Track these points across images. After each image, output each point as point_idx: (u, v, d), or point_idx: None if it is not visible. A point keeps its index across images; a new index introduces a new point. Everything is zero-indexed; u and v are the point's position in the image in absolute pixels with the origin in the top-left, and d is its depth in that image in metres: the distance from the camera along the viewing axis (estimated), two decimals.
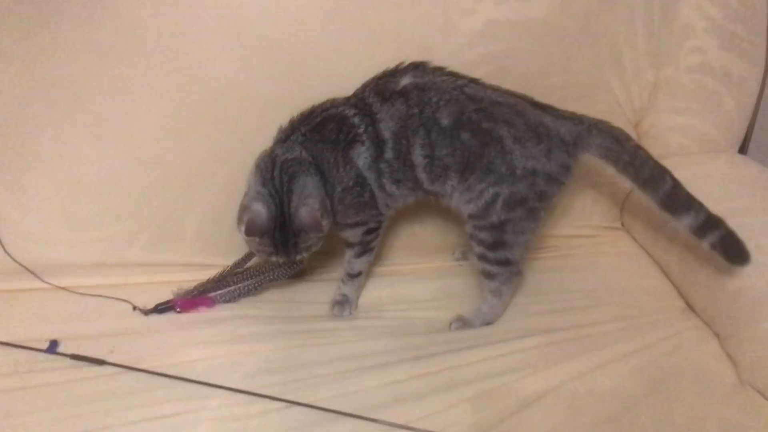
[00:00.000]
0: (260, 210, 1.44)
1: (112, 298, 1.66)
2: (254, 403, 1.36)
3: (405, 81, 1.53)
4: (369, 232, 1.66)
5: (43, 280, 1.68)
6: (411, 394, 1.40)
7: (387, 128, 1.51)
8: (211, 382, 1.39)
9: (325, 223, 1.47)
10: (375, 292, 1.78)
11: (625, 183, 1.67)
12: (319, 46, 1.69)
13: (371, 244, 1.69)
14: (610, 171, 1.60)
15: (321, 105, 1.56)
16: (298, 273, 1.81)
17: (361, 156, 1.53)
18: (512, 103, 1.53)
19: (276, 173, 1.47)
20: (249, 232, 1.44)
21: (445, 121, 1.50)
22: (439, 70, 1.56)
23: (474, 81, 1.57)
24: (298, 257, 1.52)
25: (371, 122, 1.51)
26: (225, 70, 1.64)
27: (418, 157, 1.54)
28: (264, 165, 1.50)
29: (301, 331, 1.60)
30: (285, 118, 1.58)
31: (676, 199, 1.52)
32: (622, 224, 2.10)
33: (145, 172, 1.69)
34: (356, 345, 1.55)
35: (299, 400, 1.36)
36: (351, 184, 1.54)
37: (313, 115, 1.55)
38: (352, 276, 1.71)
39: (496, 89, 1.56)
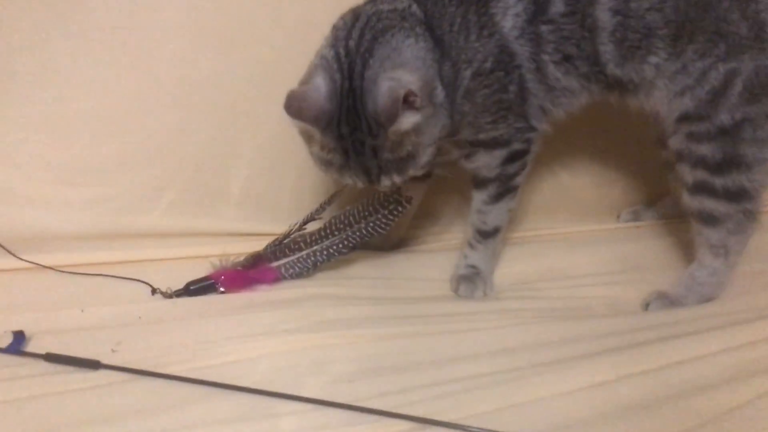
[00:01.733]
0: (318, 83, 1.00)
1: (121, 277, 1.23)
2: (353, 424, 0.88)
3: None
4: (512, 157, 1.17)
5: (18, 257, 1.26)
6: (616, 407, 0.92)
7: None
8: (279, 391, 0.93)
9: (420, 118, 0.99)
10: (516, 265, 1.32)
11: None
12: None
13: (515, 180, 1.20)
14: None
15: None
16: (395, 241, 1.34)
17: (509, 12, 1.07)
18: None
19: (356, 30, 1.02)
20: (292, 112, 0.97)
21: None
22: None
23: None
24: (385, 183, 1.04)
25: None
26: None
27: (603, 12, 1.06)
28: (343, 21, 1.06)
29: (412, 317, 1.13)
30: None
31: None
32: None
33: (172, 101, 1.33)
34: (506, 334, 1.08)
35: (432, 417, 0.88)
36: (489, 64, 1.07)
37: None
38: (486, 234, 1.23)
39: None
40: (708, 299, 1.17)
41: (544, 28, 1.07)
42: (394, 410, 0.89)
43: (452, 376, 0.97)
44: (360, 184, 1.05)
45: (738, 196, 1.11)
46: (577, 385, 0.93)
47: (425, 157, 1.04)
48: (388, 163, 1.01)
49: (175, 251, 1.31)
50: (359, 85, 0.99)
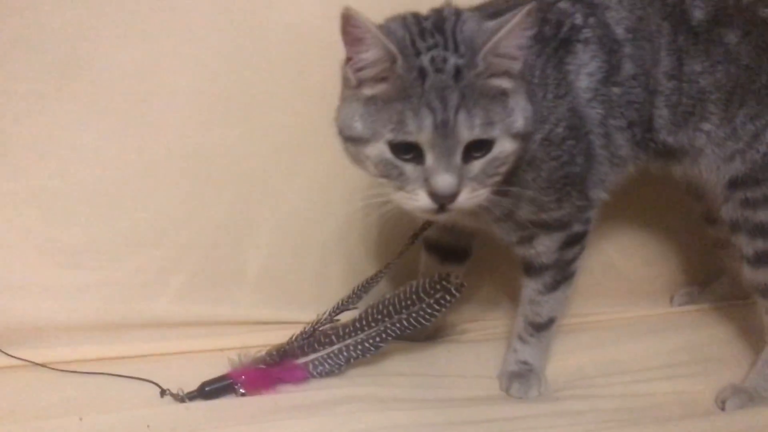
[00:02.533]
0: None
1: (125, 376, 1.09)
2: None
3: None
4: (571, 241, 1.05)
5: (6, 353, 1.12)
6: None
7: (619, 20, 0.99)
8: None
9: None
10: (569, 357, 1.19)
11: None
12: None
13: (573, 265, 1.08)
14: None
15: None
16: (431, 331, 1.21)
17: (583, 71, 0.97)
18: None
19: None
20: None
21: (698, 14, 1.00)
22: None
23: None
24: (463, 126, 0.79)
25: (590, 10, 0.99)
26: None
27: (661, 75, 1.00)
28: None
29: (463, 423, 1.00)
30: None
31: None
32: None
33: (183, 174, 1.23)
34: None
35: None
36: (561, 130, 0.96)
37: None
38: (539, 327, 1.11)
39: None
40: None
41: (615, 90, 0.98)
42: None
43: None
44: (425, 133, 0.79)
45: None
46: None
47: (519, 114, 0.84)
48: (473, 92, 0.80)
49: (187, 344, 1.18)
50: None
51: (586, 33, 0.97)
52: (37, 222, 1.19)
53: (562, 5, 0.98)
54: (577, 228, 1.04)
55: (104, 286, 1.19)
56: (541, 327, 1.10)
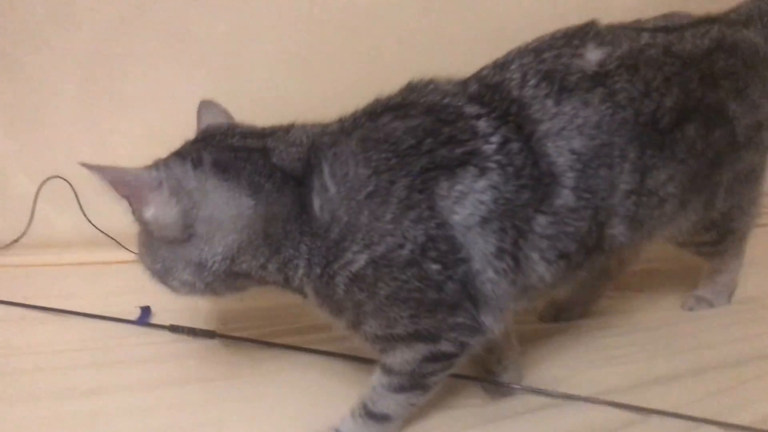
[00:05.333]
0: None
1: None
2: None
3: (596, 55, 0.87)
4: (436, 358, 0.88)
5: (130, 250, 1.31)
6: None
7: (566, 150, 0.83)
8: None
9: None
10: None
11: None
12: None
13: (430, 380, 0.91)
14: None
15: (411, 87, 0.89)
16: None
17: (470, 195, 0.80)
18: (719, 38, 0.97)
19: None
20: None
21: (665, 119, 0.88)
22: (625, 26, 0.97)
23: (658, 28, 0.96)
24: None
25: (518, 135, 0.82)
26: None
27: (620, 198, 0.87)
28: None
29: None
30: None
31: None
32: None
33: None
34: None
35: None
36: (406, 252, 0.80)
37: (390, 100, 0.88)
38: (370, 415, 0.93)
39: (686, 27, 0.97)
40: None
41: (541, 220, 0.83)
42: None
43: None
44: None
45: (732, 232, 1.17)
46: None
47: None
48: None
49: None
50: None
51: (491, 160, 0.81)
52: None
53: (481, 123, 0.83)
54: (445, 347, 0.87)
55: None
56: (372, 417, 0.93)
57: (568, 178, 0.83)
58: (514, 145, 0.82)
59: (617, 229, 0.89)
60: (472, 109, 0.84)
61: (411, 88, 0.88)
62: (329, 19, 1.40)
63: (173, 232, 0.80)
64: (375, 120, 0.84)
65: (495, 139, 0.82)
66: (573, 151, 0.83)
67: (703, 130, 0.92)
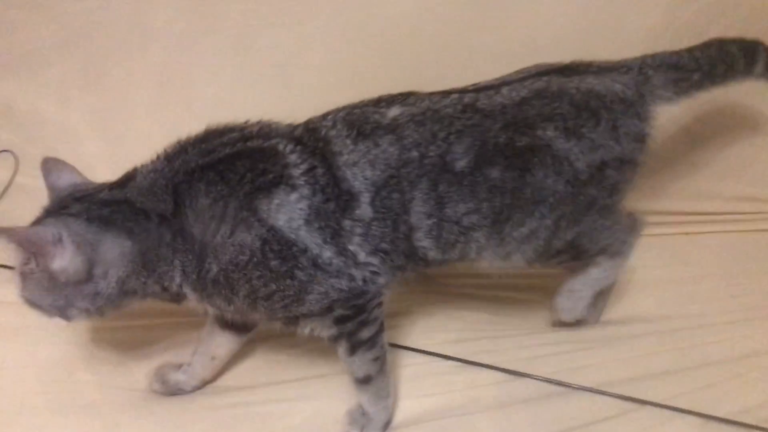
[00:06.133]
0: None
1: None
2: None
3: (394, 112, 1.09)
4: (343, 319, 1.08)
5: None
6: None
7: (360, 176, 1.05)
8: None
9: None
10: None
11: None
12: None
13: (361, 334, 1.09)
14: None
15: (236, 128, 1.11)
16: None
17: (285, 206, 1.02)
18: (542, 88, 1.12)
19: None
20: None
21: (460, 163, 1.06)
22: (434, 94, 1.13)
23: (479, 88, 1.14)
24: None
25: (323, 164, 1.05)
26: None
27: (419, 217, 1.07)
28: None
29: None
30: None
31: None
32: None
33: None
34: None
35: None
36: (245, 257, 1.01)
37: (221, 140, 1.08)
38: (359, 381, 1.13)
39: (511, 82, 1.14)
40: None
41: (347, 223, 1.04)
42: None
43: None
44: None
45: (599, 253, 1.24)
46: None
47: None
48: None
49: None
50: None
51: (299, 180, 1.02)
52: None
53: (293, 156, 1.04)
54: (341, 311, 1.06)
55: None
56: (359, 382, 1.12)
57: (365, 196, 1.04)
58: (319, 170, 1.03)
59: (425, 242, 1.09)
60: (288, 147, 1.05)
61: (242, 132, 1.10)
62: (376, 33, 1.52)
63: (79, 275, 0.99)
64: (212, 164, 1.04)
65: (303, 166, 1.03)
66: (365, 178, 1.04)
67: (514, 172, 1.07)
